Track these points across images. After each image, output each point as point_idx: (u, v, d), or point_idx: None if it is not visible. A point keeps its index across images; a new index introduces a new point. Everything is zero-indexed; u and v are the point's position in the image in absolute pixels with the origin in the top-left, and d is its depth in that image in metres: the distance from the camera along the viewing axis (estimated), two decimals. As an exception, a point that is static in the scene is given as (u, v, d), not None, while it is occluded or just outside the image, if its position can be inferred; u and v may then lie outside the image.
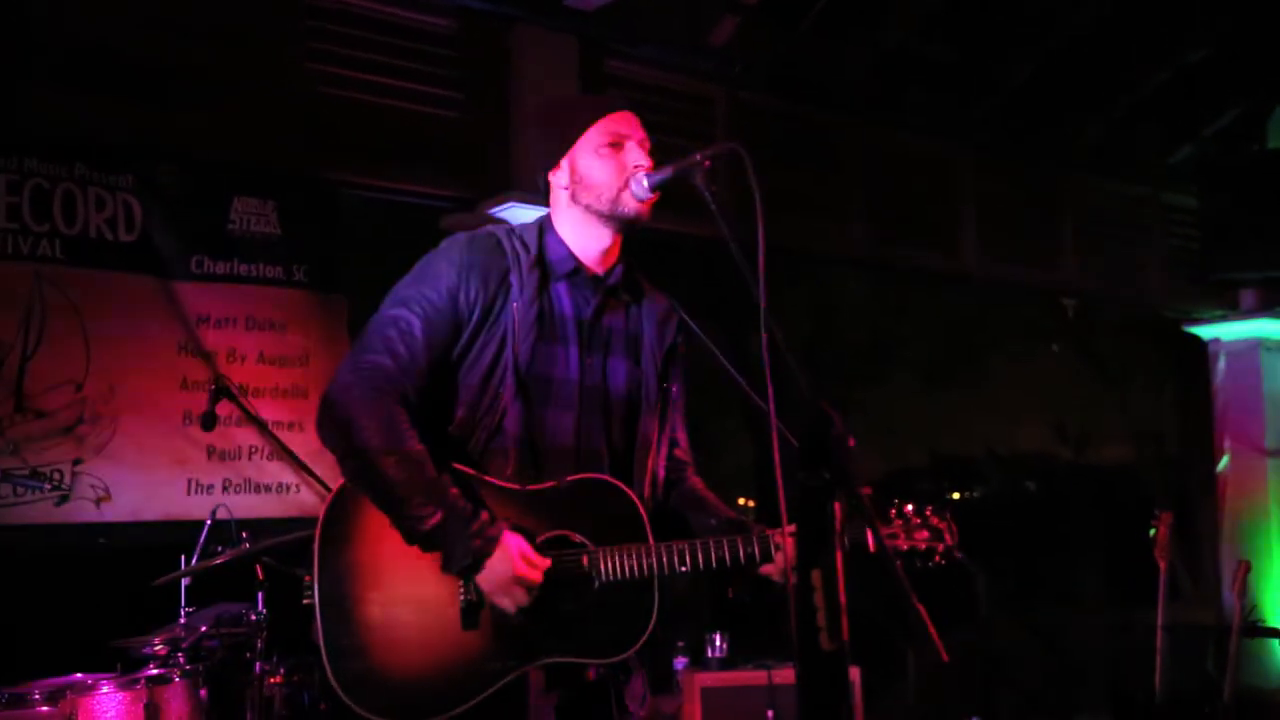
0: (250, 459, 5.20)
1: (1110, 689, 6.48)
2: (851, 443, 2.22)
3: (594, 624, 2.43)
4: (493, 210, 5.51)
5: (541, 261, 2.58)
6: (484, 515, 2.38)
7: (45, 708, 3.71)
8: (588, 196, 2.57)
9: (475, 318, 2.49)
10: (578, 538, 2.47)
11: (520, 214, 5.50)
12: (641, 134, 2.57)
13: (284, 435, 5.08)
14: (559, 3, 5.59)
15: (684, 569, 2.45)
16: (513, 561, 2.35)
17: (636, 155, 2.56)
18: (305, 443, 5.22)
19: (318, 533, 2.47)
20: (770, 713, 4.53)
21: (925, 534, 2.55)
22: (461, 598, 2.41)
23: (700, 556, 2.46)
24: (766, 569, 2.54)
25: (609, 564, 2.43)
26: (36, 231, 4.73)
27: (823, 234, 6.91)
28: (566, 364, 2.56)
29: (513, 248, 2.57)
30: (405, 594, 2.44)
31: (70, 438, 4.78)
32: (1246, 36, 7.32)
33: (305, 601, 2.47)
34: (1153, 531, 4.87)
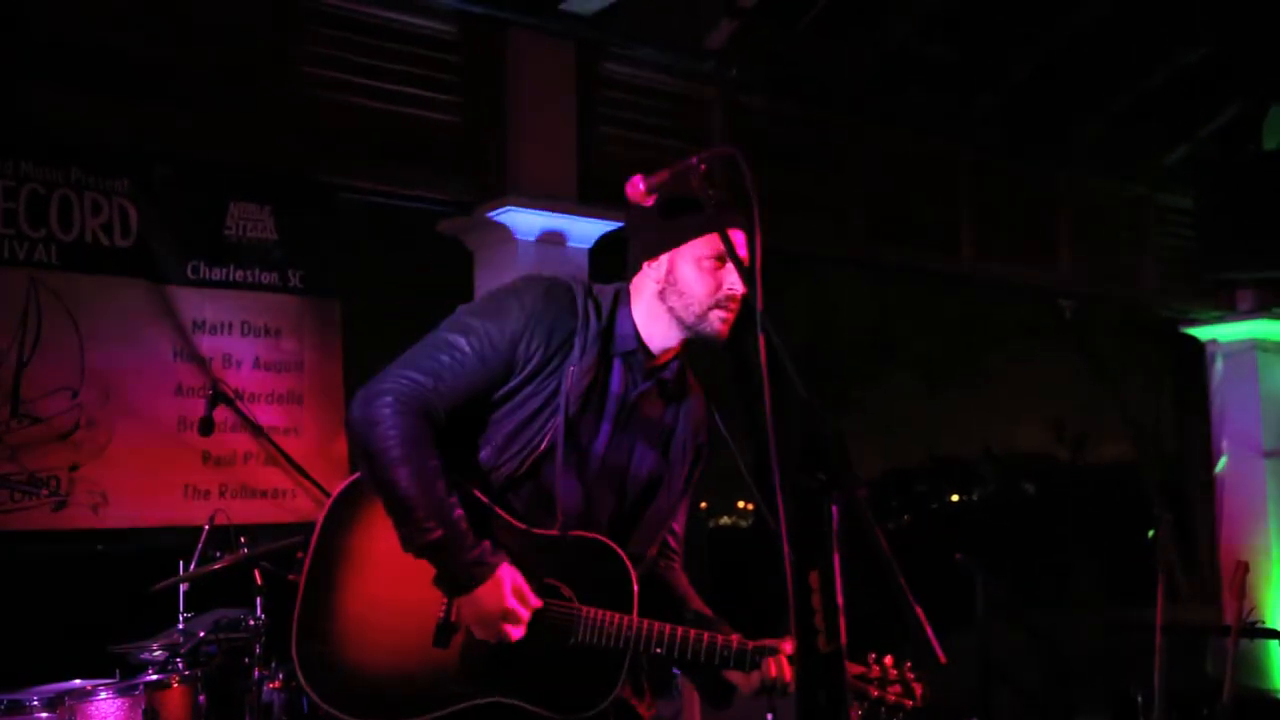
0: (246, 464, 5.19)
1: (1109, 689, 6.48)
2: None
3: (558, 677, 2.42)
4: (490, 214, 5.50)
5: (608, 333, 2.57)
6: (485, 544, 2.39)
7: (44, 714, 3.72)
8: (676, 301, 2.54)
9: (528, 369, 2.49)
10: (567, 591, 2.47)
11: (518, 217, 5.49)
12: (745, 253, 2.45)
13: (280, 440, 5.08)
14: (555, 6, 5.58)
15: (659, 651, 2.45)
16: (504, 596, 2.36)
17: (734, 278, 2.51)
18: (301, 448, 5.23)
19: (326, 509, 2.51)
20: (769, 715, 4.52)
21: (898, 689, 2.54)
22: (440, 616, 2.43)
23: (678, 647, 2.45)
24: (733, 675, 2.54)
25: (590, 627, 2.43)
26: (32, 237, 4.72)
27: (822, 234, 6.91)
28: (595, 437, 2.57)
29: (585, 309, 2.55)
30: (389, 595, 2.46)
31: (67, 444, 4.76)
32: (1244, 37, 7.33)
33: (290, 578, 2.47)
34: (1151, 532, 4.86)
